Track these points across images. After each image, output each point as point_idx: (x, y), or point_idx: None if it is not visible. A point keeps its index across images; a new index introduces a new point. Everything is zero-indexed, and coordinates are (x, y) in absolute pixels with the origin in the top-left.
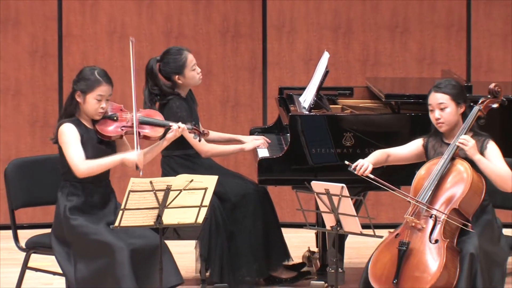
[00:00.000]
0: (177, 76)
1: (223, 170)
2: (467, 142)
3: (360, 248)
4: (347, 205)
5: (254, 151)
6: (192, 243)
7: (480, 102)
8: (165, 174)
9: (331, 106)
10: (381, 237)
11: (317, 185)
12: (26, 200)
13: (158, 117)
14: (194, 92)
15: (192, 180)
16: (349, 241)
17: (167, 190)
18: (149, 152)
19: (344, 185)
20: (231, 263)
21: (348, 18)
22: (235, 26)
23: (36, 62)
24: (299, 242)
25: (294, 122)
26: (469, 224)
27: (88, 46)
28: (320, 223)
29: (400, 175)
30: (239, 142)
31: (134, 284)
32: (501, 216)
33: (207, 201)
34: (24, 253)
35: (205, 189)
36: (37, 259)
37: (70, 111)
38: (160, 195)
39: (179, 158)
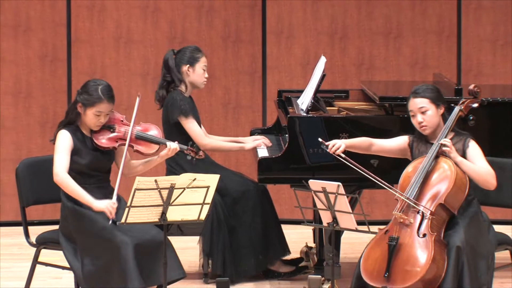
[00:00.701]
0: (187, 66)
1: (225, 168)
2: (450, 147)
3: (355, 244)
4: (343, 203)
5: (254, 151)
6: (195, 239)
7: (461, 102)
8: (169, 169)
9: (327, 108)
10: (375, 233)
11: (315, 184)
12: (36, 198)
13: (156, 132)
14: (197, 94)
15: (195, 179)
16: (345, 237)
17: (171, 188)
18: (142, 165)
19: (340, 183)
20: (232, 257)
21: (344, 24)
22: (236, 32)
23: (46, 66)
24: (297, 238)
25: (293, 123)
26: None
27: (96, 51)
28: (317, 219)
29: (392, 174)
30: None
31: (139, 278)
32: (489, 213)
33: (209, 199)
34: (35, 249)
35: (208, 187)
36: (47, 254)
37: (71, 118)
38: (165, 193)
39: (183, 154)
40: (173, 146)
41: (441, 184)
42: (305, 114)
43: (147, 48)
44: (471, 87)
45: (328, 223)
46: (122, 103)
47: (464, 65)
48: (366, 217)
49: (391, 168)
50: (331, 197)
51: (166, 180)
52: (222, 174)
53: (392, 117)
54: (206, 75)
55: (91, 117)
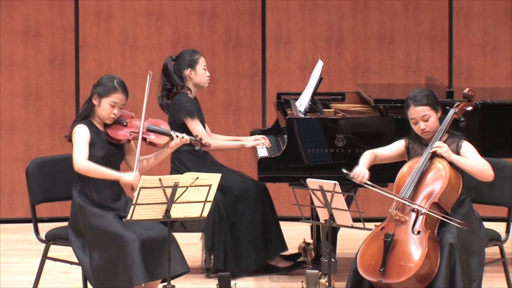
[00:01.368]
0: (189, 70)
1: (227, 168)
2: (442, 147)
3: (351, 240)
4: (339, 201)
5: (255, 151)
6: (197, 235)
7: (455, 105)
8: (174, 168)
9: (324, 110)
10: (370, 229)
11: (312, 182)
12: (46, 196)
13: (165, 126)
14: (199, 97)
15: (197, 178)
16: (341, 233)
17: (175, 187)
18: (153, 158)
19: (336, 182)
20: (233, 252)
21: (340, 30)
22: (237, 37)
23: (55, 70)
24: (295, 234)
25: (291, 124)
26: (449, 217)
27: (103, 55)
28: (314, 216)
29: (387, 173)
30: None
31: (144, 273)
32: (480, 211)
33: (211, 197)
34: (44, 245)
35: (210, 185)
36: (56, 250)
37: (86, 113)
38: (168, 191)
39: (188, 153)
40: (184, 136)
41: (435, 184)
42: (303, 115)
43: (151, 52)
44: (466, 91)
45: (325, 220)
46: (128, 104)
47: (455, 69)
48: (362, 214)
49: (386, 168)
50: (328, 195)
51: (170, 179)
52: (224, 173)
53: (386, 118)
54: (208, 74)
55: (105, 108)
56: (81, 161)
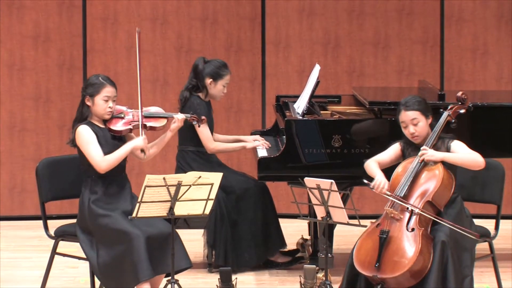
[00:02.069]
0: (210, 80)
1: (230, 168)
2: (425, 151)
3: (347, 236)
4: (335, 199)
5: (254, 151)
6: (200, 232)
7: (449, 108)
8: (179, 166)
9: (321, 112)
10: (365, 226)
11: (309, 181)
12: (55, 194)
13: (160, 109)
14: None
15: (200, 177)
16: (338, 229)
17: (178, 185)
18: (156, 144)
19: (333, 181)
20: (234, 248)
21: (337, 35)
22: (238, 42)
23: (64, 73)
24: (294, 231)
25: (289, 125)
26: (440, 217)
27: (109, 59)
28: (312, 214)
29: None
30: (243, 141)
31: (149, 268)
32: (470, 208)
33: (213, 195)
34: (53, 241)
35: (212, 184)
36: (64, 246)
37: (82, 116)
38: (172, 189)
39: (193, 154)
40: (180, 116)
41: (429, 183)
42: (301, 117)
43: (156, 57)
44: (459, 94)
45: (322, 217)
46: (133, 107)
47: (447, 73)
48: (357, 211)
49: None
50: (325, 193)
51: (173, 178)
52: (227, 173)
53: (380, 120)
54: (225, 91)
55: (100, 104)
56: (102, 162)
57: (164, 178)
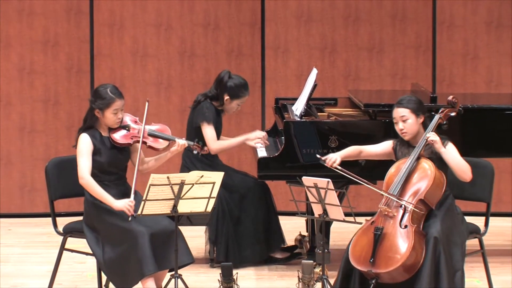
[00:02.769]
0: (228, 98)
1: (232, 168)
2: (435, 138)
3: (343, 233)
4: (332, 197)
5: (254, 151)
6: (202, 228)
7: (440, 111)
8: (184, 165)
9: (318, 113)
10: (360, 223)
11: (307, 180)
12: (63, 192)
13: (166, 132)
14: None
15: (202, 176)
16: (334, 226)
17: (182, 184)
18: (156, 160)
19: (329, 180)
20: (236, 245)
21: (333, 41)
22: (238, 47)
23: (72, 77)
24: (292, 228)
25: (288, 127)
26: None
27: (115, 64)
28: (309, 211)
29: (376, 172)
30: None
31: (154, 263)
32: (462, 206)
33: (215, 193)
34: (62, 237)
35: (213, 183)
36: (72, 242)
37: (90, 123)
38: (176, 188)
39: (190, 149)
40: (181, 142)
41: (421, 182)
42: (299, 119)
43: (160, 61)
44: (450, 98)
45: (319, 215)
46: (139, 109)
47: (439, 76)
48: (353, 209)
49: (376, 167)
50: (322, 191)
51: (177, 177)
52: (230, 174)
53: (375, 121)
54: (239, 108)
55: (110, 117)
56: (85, 176)
57: (168, 177)
